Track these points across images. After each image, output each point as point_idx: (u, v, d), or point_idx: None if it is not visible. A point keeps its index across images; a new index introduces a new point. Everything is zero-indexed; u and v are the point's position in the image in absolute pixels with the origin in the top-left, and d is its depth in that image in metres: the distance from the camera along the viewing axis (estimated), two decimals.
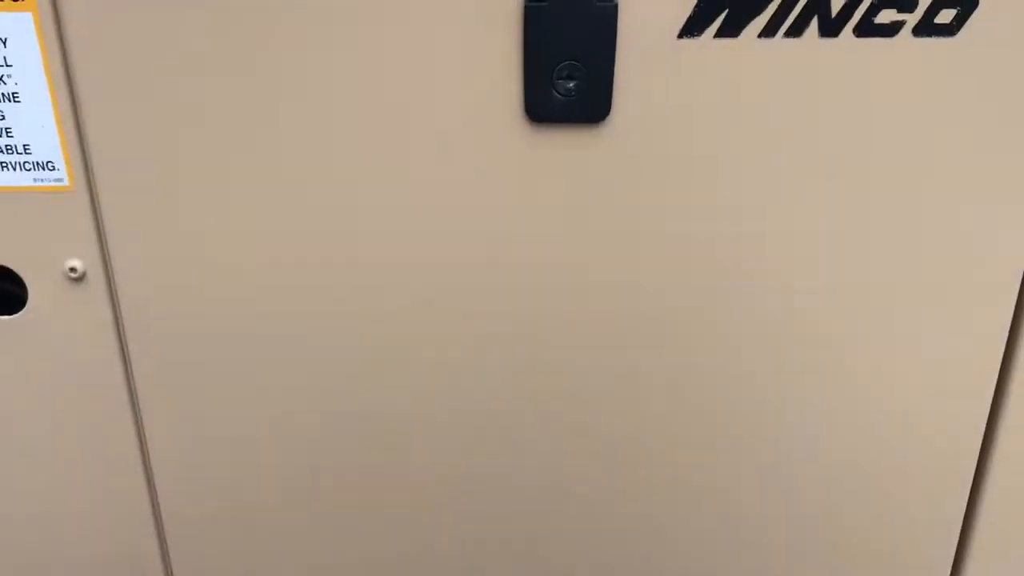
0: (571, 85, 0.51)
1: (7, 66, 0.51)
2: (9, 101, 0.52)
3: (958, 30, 0.50)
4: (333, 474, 0.62)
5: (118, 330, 0.58)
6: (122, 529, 0.64)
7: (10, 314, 0.57)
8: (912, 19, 0.50)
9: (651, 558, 0.64)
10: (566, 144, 0.52)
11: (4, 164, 0.53)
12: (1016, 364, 0.57)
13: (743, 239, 0.54)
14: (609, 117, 0.52)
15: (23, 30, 0.50)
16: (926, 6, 0.49)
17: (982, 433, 0.60)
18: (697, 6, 0.49)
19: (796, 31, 0.50)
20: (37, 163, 0.53)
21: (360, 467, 0.62)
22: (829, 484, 0.62)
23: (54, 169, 0.53)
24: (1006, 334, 0.56)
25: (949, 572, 0.65)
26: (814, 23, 0.50)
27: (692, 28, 0.50)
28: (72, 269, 0.56)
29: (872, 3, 0.49)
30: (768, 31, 0.50)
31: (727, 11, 0.49)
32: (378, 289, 0.56)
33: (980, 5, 0.49)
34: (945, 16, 0.50)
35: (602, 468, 0.62)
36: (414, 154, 0.52)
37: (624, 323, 0.57)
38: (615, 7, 0.49)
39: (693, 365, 0.58)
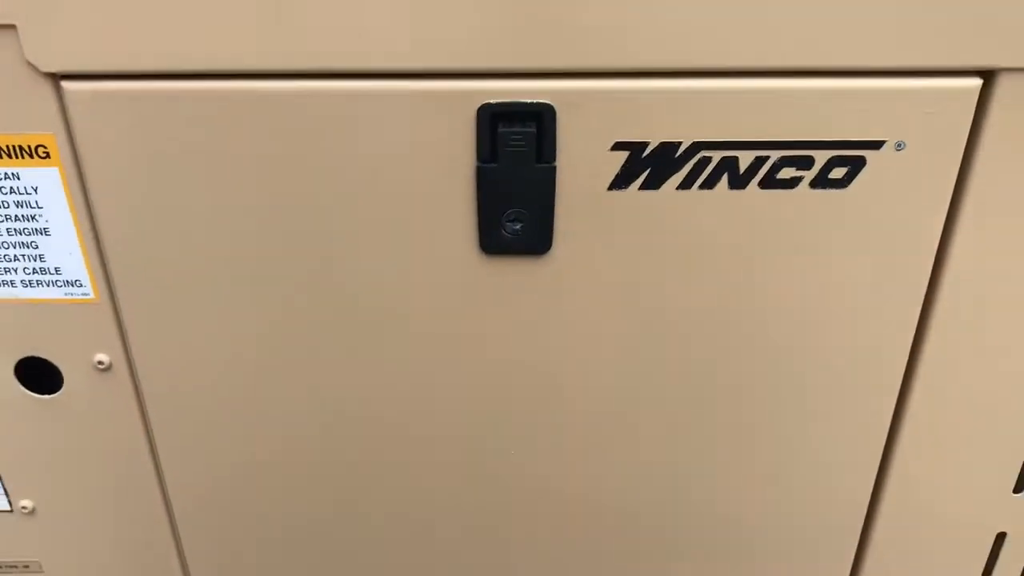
0: (517, 227, 0.59)
1: (39, 208, 0.60)
2: (42, 234, 0.61)
3: (849, 184, 0.58)
4: (333, 524, 0.74)
5: (141, 409, 0.68)
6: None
7: (51, 393, 0.68)
8: (809, 175, 0.58)
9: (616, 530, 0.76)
10: (514, 272, 0.61)
11: (40, 282, 0.63)
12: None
13: (660, 342, 0.64)
14: (550, 251, 0.61)
15: (51, 181, 0.59)
16: (821, 165, 0.58)
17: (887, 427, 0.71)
18: (623, 166, 0.58)
19: (709, 185, 0.58)
20: (67, 281, 0.63)
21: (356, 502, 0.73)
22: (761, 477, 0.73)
23: (81, 286, 0.63)
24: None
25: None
26: (724, 178, 0.58)
27: (620, 183, 0.58)
28: (100, 362, 0.66)
29: (774, 163, 0.58)
30: (685, 184, 0.58)
31: (649, 170, 0.58)
32: (365, 377, 0.66)
33: (869, 165, 0.58)
34: (838, 173, 0.58)
35: (550, 516, 0.73)
36: (395, 278, 0.62)
37: (563, 405, 0.67)
38: (553, 168, 0.57)
39: (620, 431, 0.68)
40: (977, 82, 0.55)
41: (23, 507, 0.73)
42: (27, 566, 0.77)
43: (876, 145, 0.57)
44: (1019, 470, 0.71)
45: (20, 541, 0.76)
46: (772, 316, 0.63)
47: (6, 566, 0.77)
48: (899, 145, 0.57)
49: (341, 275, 0.62)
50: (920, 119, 0.56)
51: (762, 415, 0.68)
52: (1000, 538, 0.75)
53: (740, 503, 0.72)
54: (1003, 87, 0.55)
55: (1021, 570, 0.77)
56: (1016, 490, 0.73)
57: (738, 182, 0.58)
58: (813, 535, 0.74)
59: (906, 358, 0.66)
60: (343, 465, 0.71)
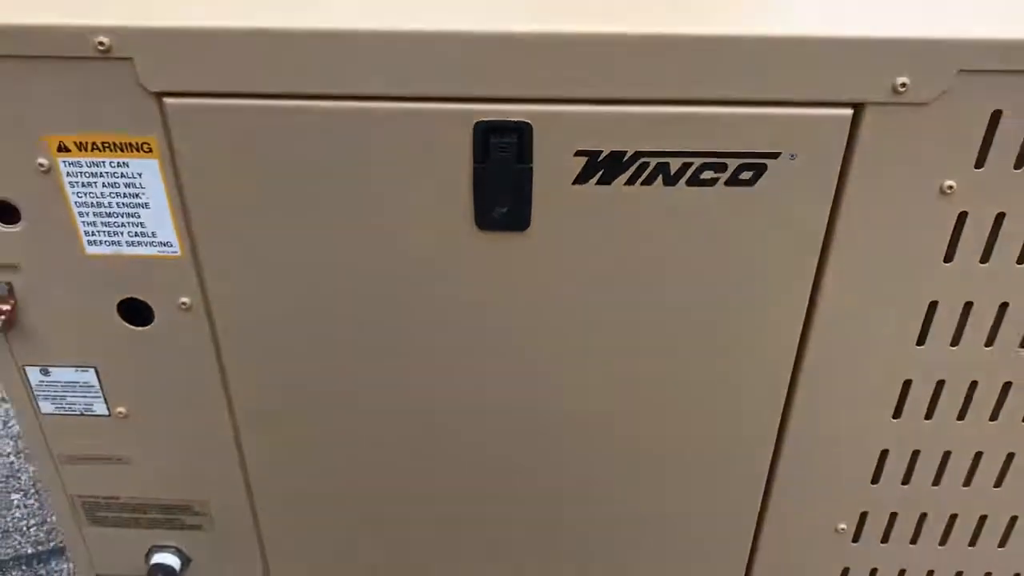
0: (504, 210, 0.79)
1: (142, 188, 0.79)
2: (143, 208, 0.80)
3: (755, 184, 0.77)
4: (383, 458, 0.94)
5: (214, 340, 0.88)
6: (214, 485, 0.97)
7: (144, 326, 0.88)
8: (724, 176, 0.77)
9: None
10: (501, 243, 0.81)
11: (140, 243, 0.82)
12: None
13: (611, 307, 0.83)
14: (528, 228, 0.80)
15: (151, 169, 0.78)
16: (733, 169, 0.76)
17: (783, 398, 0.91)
18: (583, 168, 0.76)
19: (648, 182, 0.77)
20: (160, 242, 0.82)
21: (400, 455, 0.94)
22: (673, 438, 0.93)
23: (171, 246, 0.82)
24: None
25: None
26: (660, 178, 0.77)
27: (580, 180, 0.77)
28: (183, 303, 0.86)
29: (697, 167, 0.76)
30: (630, 182, 0.77)
31: (602, 170, 0.76)
32: (392, 318, 0.86)
33: (769, 171, 0.76)
34: (746, 175, 0.77)
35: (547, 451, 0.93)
36: (416, 247, 0.81)
37: (542, 356, 0.87)
38: (530, 168, 0.76)
39: (592, 380, 0.88)
40: (849, 112, 0.74)
41: (119, 412, 0.94)
42: (119, 459, 0.98)
43: (774, 156, 0.76)
44: (895, 401, 0.91)
45: (114, 440, 0.97)
46: (691, 287, 0.83)
47: (102, 458, 0.98)
48: (792, 156, 0.76)
49: (375, 241, 0.81)
50: (808, 137, 0.75)
51: (684, 370, 0.88)
52: (884, 454, 0.95)
53: (668, 439, 0.93)
54: (869, 116, 0.74)
55: (900, 479, 0.97)
56: (874, 480, 0.94)
57: (670, 181, 0.77)
58: (725, 464, 0.95)
59: (800, 327, 0.85)
60: (375, 388, 0.91)
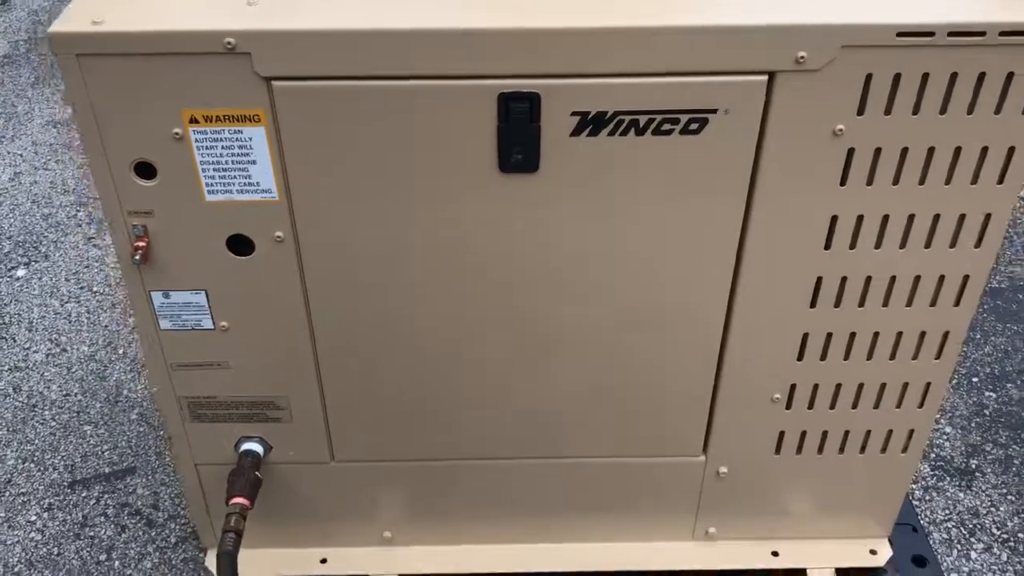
0: (520, 157, 1.07)
1: (251, 149, 1.07)
2: (251, 164, 1.08)
3: (700, 132, 1.07)
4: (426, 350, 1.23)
5: (300, 266, 1.16)
6: (294, 384, 1.25)
7: (246, 256, 1.16)
8: (679, 127, 1.06)
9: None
10: (518, 181, 1.10)
11: (247, 190, 1.10)
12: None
13: (600, 225, 1.13)
14: (538, 170, 1.09)
15: (260, 135, 1.06)
16: (685, 121, 1.06)
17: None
18: (577, 124, 1.05)
19: (624, 133, 1.06)
20: (263, 190, 1.10)
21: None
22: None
23: (271, 192, 1.10)
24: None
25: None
26: (632, 130, 1.06)
27: (575, 133, 1.06)
28: (278, 236, 1.14)
29: (659, 121, 1.05)
30: (611, 133, 1.06)
31: (591, 126, 1.06)
32: (433, 252, 1.15)
33: (710, 123, 1.06)
34: (694, 126, 1.06)
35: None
36: (458, 186, 1.10)
37: (549, 265, 1.16)
38: (538, 126, 1.05)
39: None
40: (764, 78, 1.03)
41: (222, 326, 1.22)
42: (219, 364, 1.26)
43: (714, 111, 1.05)
44: (811, 294, 1.21)
45: (216, 349, 1.25)
46: (658, 210, 1.12)
47: (206, 364, 1.26)
48: (727, 111, 1.05)
49: (426, 186, 1.10)
50: (737, 96, 1.04)
51: (654, 273, 1.17)
52: (805, 336, 1.26)
53: (645, 328, 1.22)
54: (779, 80, 1.03)
55: (819, 356, 1.28)
56: (799, 358, 1.25)
57: (640, 132, 1.06)
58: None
59: (737, 239, 1.15)
60: (423, 303, 1.20)
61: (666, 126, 1.06)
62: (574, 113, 1.05)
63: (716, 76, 1.03)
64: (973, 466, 1.84)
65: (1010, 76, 1.04)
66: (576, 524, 1.48)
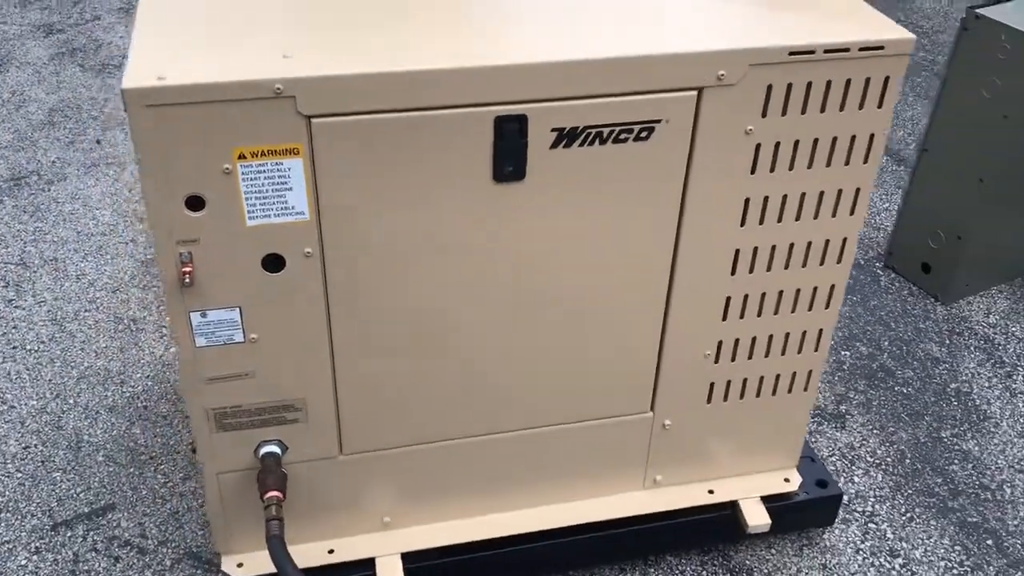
0: (510, 168, 1.33)
1: (289, 177, 1.27)
2: (288, 190, 1.28)
3: (648, 138, 1.36)
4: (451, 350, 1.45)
5: (324, 277, 1.36)
6: (311, 385, 1.44)
7: (277, 272, 1.35)
8: (632, 135, 1.35)
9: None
10: (508, 189, 1.35)
11: (283, 214, 1.30)
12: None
13: (572, 216, 1.40)
14: (524, 179, 1.34)
15: (297, 165, 1.27)
16: (637, 130, 1.34)
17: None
18: (555, 139, 1.32)
19: (592, 143, 1.34)
20: (297, 211, 1.30)
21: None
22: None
23: (303, 214, 1.31)
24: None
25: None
26: (597, 140, 1.34)
27: (554, 146, 1.33)
28: (307, 251, 1.34)
29: (617, 132, 1.34)
30: (581, 144, 1.33)
31: (566, 139, 1.32)
32: (439, 255, 1.38)
33: (656, 131, 1.35)
34: (644, 134, 1.35)
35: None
36: (462, 194, 1.33)
37: (533, 255, 1.42)
38: (526, 142, 1.31)
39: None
40: (694, 93, 1.34)
41: (251, 338, 1.40)
42: (246, 374, 1.43)
43: (657, 121, 1.35)
44: (731, 264, 1.52)
45: (244, 360, 1.42)
46: (617, 203, 1.40)
47: (234, 376, 1.43)
48: (668, 120, 1.35)
49: (432, 194, 1.33)
50: (674, 109, 1.34)
51: (612, 255, 1.45)
52: (727, 300, 1.57)
53: (605, 299, 1.50)
54: (706, 94, 1.34)
55: (739, 315, 1.59)
56: (723, 319, 1.56)
57: (603, 141, 1.34)
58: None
59: (675, 223, 1.44)
60: (431, 306, 1.42)
61: (623, 135, 1.35)
62: (553, 129, 1.32)
63: (659, 93, 1.33)
64: (843, 410, 2.21)
65: (867, 80, 1.39)
66: (543, 488, 1.72)
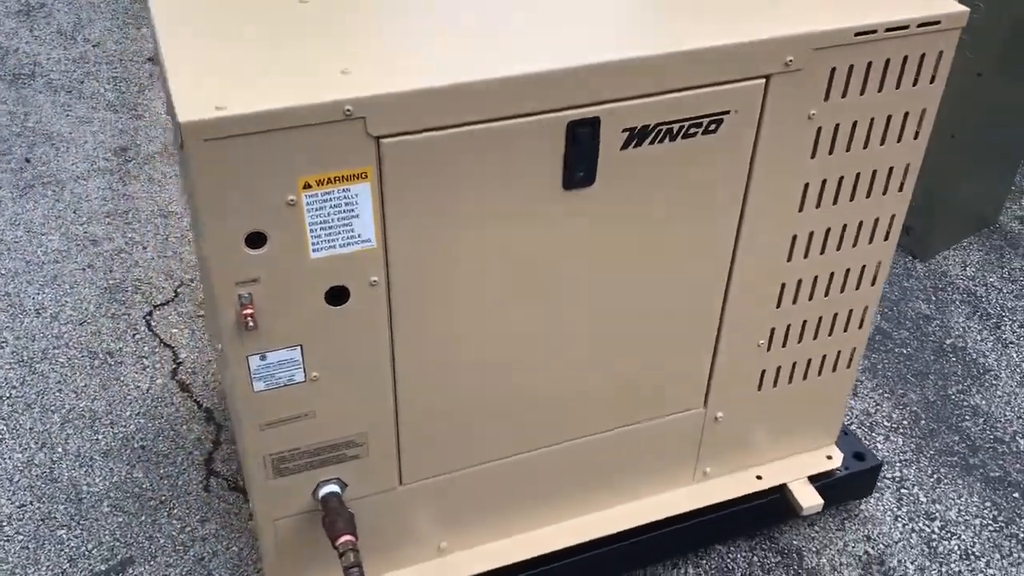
0: (581, 174, 1.26)
1: (356, 204, 1.17)
2: (355, 218, 1.18)
3: (717, 131, 1.30)
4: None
5: (389, 306, 1.27)
6: (373, 418, 1.35)
7: (341, 305, 1.25)
8: (702, 128, 1.29)
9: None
10: (578, 195, 1.28)
11: (349, 243, 1.20)
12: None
13: (640, 219, 1.34)
14: (594, 184, 1.27)
15: (365, 190, 1.17)
16: (706, 123, 1.29)
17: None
18: (626, 139, 1.25)
19: (662, 140, 1.28)
20: (364, 239, 1.20)
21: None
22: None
23: (370, 241, 1.21)
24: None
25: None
26: (668, 136, 1.28)
27: (625, 146, 1.26)
28: (373, 280, 1.24)
29: (687, 127, 1.28)
30: (651, 143, 1.27)
31: (636, 139, 1.26)
32: (510, 275, 1.30)
33: (724, 122, 1.30)
34: (713, 127, 1.30)
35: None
36: (534, 198, 1.26)
37: (604, 259, 1.35)
38: (598, 143, 1.24)
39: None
40: (763, 80, 1.29)
41: (313, 376, 1.30)
42: (306, 415, 1.33)
43: (726, 113, 1.29)
44: (788, 250, 1.49)
45: (305, 400, 1.32)
46: (687, 195, 1.35)
47: (294, 418, 1.33)
48: (736, 112, 1.30)
49: (502, 208, 1.25)
50: (742, 98, 1.29)
51: (681, 250, 1.40)
52: (783, 287, 1.53)
53: (670, 297, 1.45)
54: (773, 81, 1.29)
55: (792, 301, 1.56)
56: (777, 306, 1.52)
57: (673, 138, 1.28)
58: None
59: (740, 205, 1.40)
60: (496, 319, 1.34)
61: (692, 130, 1.29)
62: (624, 130, 1.25)
63: (728, 84, 1.28)
64: None
65: (922, 56, 1.37)
66: (595, 494, 1.67)
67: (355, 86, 1.12)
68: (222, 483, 1.91)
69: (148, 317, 2.29)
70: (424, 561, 1.60)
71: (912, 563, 1.83)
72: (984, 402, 2.18)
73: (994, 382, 2.23)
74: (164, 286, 2.39)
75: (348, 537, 1.36)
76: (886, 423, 2.11)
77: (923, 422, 2.12)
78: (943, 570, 1.82)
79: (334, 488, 1.42)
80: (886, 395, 2.18)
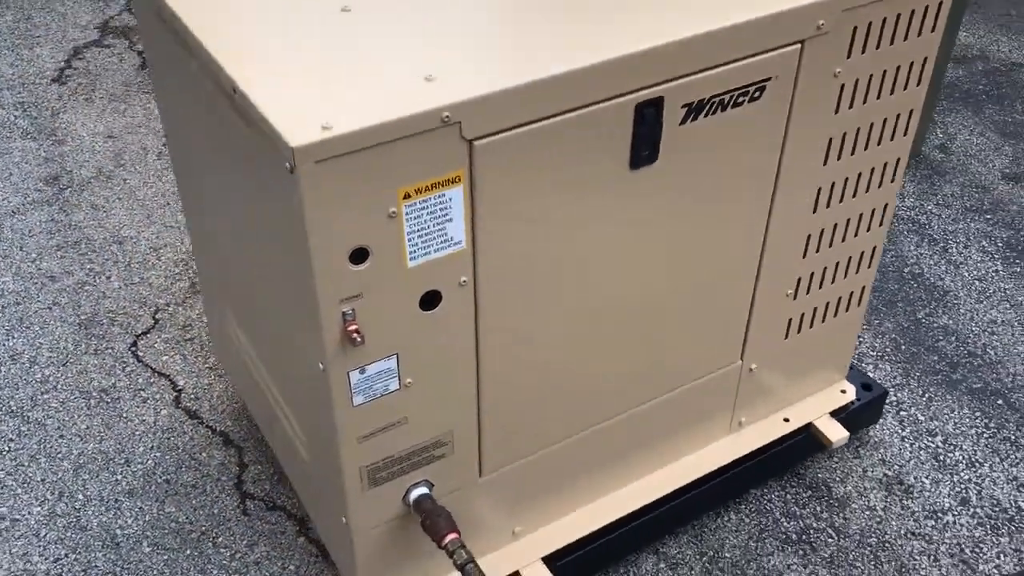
0: (646, 153, 1.30)
1: (450, 208, 1.18)
2: (449, 222, 1.19)
3: (760, 97, 1.36)
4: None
5: (476, 306, 1.29)
6: (458, 416, 1.37)
7: (433, 309, 1.26)
8: (747, 97, 1.35)
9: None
10: (643, 173, 1.32)
11: (442, 248, 1.21)
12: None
13: (700, 188, 1.39)
14: (656, 161, 1.32)
15: (458, 193, 1.18)
16: (751, 92, 1.35)
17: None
18: (685, 113, 1.30)
19: (715, 112, 1.33)
20: (455, 242, 1.21)
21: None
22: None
23: (461, 243, 1.22)
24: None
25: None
26: (719, 107, 1.33)
27: (683, 121, 1.31)
28: (463, 281, 1.25)
29: (735, 97, 1.34)
30: (706, 115, 1.32)
31: (694, 113, 1.31)
32: (591, 261, 1.33)
33: (767, 89, 1.36)
34: (757, 94, 1.36)
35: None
36: (596, 193, 1.29)
37: (666, 229, 1.40)
38: (662, 122, 1.28)
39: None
40: (798, 46, 1.35)
41: (407, 383, 1.30)
42: (399, 422, 1.34)
43: (768, 79, 1.36)
44: (814, 201, 1.57)
45: (399, 407, 1.32)
46: (732, 167, 1.41)
47: (389, 426, 1.33)
48: (776, 77, 1.36)
49: (577, 194, 1.28)
50: (781, 65, 1.35)
51: (729, 212, 1.46)
52: (808, 237, 1.62)
53: (715, 259, 1.51)
54: (807, 45, 1.36)
55: (816, 249, 1.65)
56: (803, 256, 1.61)
57: (724, 108, 1.34)
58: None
59: (777, 158, 1.47)
60: (575, 302, 1.37)
61: (740, 99, 1.35)
62: (683, 105, 1.30)
63: (770, 52, 1.34)
64: None
65: (926, 8, 1.47)
66: (644, 457, 1.73)
67: (448, 92, 1.12)
68: (259, 504, 1.88)
69: (133, 348, 2.21)
70: (502, 547, 1.63)
71: (927, 477, 1.97)
72: (951, 321, 2.34)
73: (955, 302, 2.40)
74: (140, 314, 2.30)
75: (454, 535, 1.38)
76: (872, 353, 2.25)
77: (903, 347, 2.27)
78: (954, 479, 1.97)
79: (424, 490, 1.43)
80: (864, 327, 2.32)
